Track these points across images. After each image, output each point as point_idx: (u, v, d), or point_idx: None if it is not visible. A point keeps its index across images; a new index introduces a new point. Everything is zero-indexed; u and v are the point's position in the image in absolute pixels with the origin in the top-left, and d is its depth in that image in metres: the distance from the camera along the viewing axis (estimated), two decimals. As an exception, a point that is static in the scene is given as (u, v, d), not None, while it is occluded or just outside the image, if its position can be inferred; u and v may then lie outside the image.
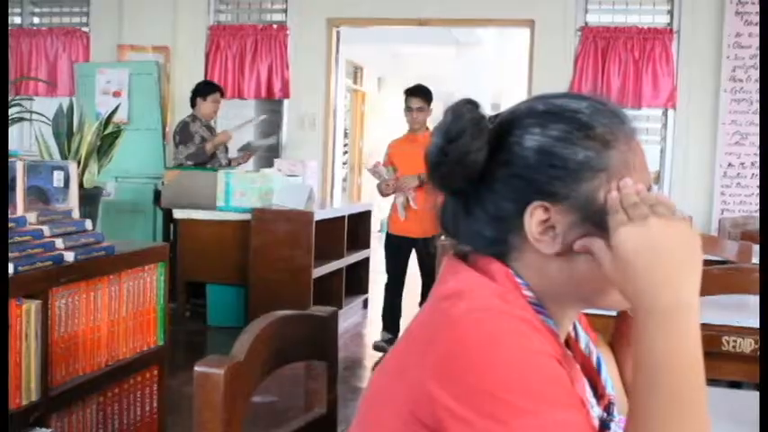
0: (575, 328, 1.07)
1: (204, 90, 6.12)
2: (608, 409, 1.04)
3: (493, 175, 0.96)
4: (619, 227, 0.90)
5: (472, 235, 1.00)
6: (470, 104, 0.97)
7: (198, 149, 5.90)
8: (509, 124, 0.97)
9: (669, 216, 0.90)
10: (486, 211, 0.97)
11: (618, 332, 1.18)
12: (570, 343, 1.06)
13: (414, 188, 5.14)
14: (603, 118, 0.95)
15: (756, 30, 6.03)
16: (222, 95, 6.24)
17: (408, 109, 5.30)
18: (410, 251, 5.27)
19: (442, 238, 1.07)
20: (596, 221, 0.93)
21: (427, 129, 5.24)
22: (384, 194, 5.39)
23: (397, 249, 5.32)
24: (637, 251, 0.88)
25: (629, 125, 0.97)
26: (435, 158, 0.97)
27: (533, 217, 0.94)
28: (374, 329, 6.08)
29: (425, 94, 5.31)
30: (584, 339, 1.08)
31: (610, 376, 1.07)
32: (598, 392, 1.04)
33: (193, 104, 6.12)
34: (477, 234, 0.99)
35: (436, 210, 1.05)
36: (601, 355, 1.08)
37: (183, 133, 5.99)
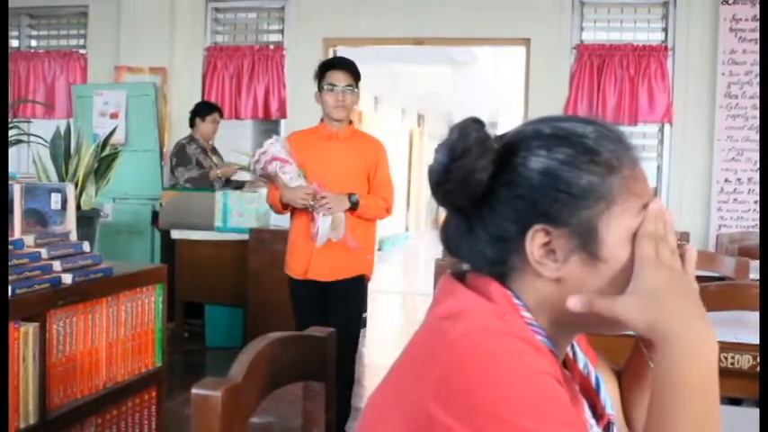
0: (572, 348, 1.07)
1: (203, 110, 6.18)
2: (607, 429, 1.04)
3: (496, 194, 0.96)
4: (647, 261, 0.92)
5: (473, 253, 0.99)
6: (477, 123, 0.96)
7: (202, 175, 5.94)
8: (515, 145, 0.97)
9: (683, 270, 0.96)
10: (488, 230, 0.97)
11: (631, 368, 1.17)
12: (568, 363, 1.06)
13: (344, 212, 3.56)
14: (609, 143, 0.96)
15: (751, 46, 6.06)
16: (221, 116, 6.30)
17: (330, 87, 3.59)
18: (320, 302, 3.68)
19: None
20: (592, 251, 0.94)
21: (351, 122, 3.76)
22: (293, 204, 3.54)
23: (307, 299, 3.69)
24: (663, 286, 0.91)
25: (633, 151, 0.97)
26: (439, 176, 0.96)
27: (534, 240, 0.94)
28: (373, 348, 6.07)
29: (354, 69, 3.68)
30: (583, 360, 1.08)
31: (609, 396, 1.07)
32: (597, 412, 1.04)
33: (192, 125, 6.17)
34: (479, 253, 0.98)
35: (439, 226, 1.05)
36: (599, 375, 1.08)
37: (181, 155, 6.03)
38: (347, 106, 3.63)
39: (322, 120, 3.71)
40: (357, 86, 3.69)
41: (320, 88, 3.64)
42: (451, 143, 0.95)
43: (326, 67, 3.68)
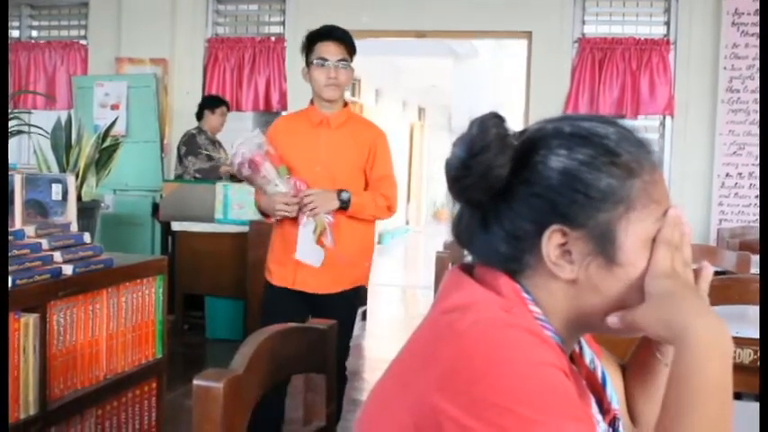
0: (579, 342, 1.07)
1: (213, 103, 6.24)
2: (613, 423, 1.04)
3: (513, 192, 0.95)
4: (661, 268, 0.92)
5: (486, 249, 0.99)
6: (497, 118, 0.95)
7: (212, 168, 5.96)
8: (535, 143, 0.96)
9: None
10: (504, 227, 0.96)
11: (637, 362, 1.17)
12: (575, 358, 1.06)
13: (331, 212, 2.98)
14: (630, 146, 0.95)
15: (753, 40, 6.05)
16: (228, 109, 6.35)
17: (320, 62, 3.03)
18: (304, 315, 3.01)
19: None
20: (609, 255, 0.93)
21: (346, 104, 3.19)
22: (272, 215, 3.03)
23: (288, 311, 2.92)
24: (677, 289, 0.91)
25: (653, 155, 0.97)
26: (456, 171, 0.95)
27: (551, 241, 0.93)
28: (373, 342, 6.08)
29: (348, 40, 3.09)
30: (589, 354, 1.08)
31: (615, 391, 1.07)
32: (603, 407, 1.04)
33: (199, 117, 6.21)
34: (492, 249, 0.98)
35: (450, 219, 1.04)
36: (605, 369, 1.08)
37: (191, 145, 6.06)
38: (341, 84, 3.06)
39: (312, 101, 3.15)
40: (352, 60, 3.10)
41: (308, 63, 3.07)
42: (471, 138, 0.94)
43: (316, 38, 3.08)
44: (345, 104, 3.18)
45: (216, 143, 6.21)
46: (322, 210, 2.94)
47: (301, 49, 3.15)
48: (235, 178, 5.83)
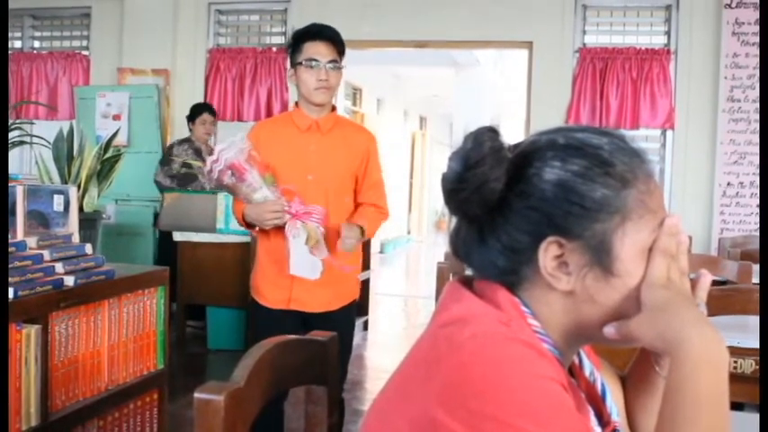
0: (578, 355, 1.07)
1: (192, 113, 6.25)
2: (613, 436, 1.04)
3: (509, 205, 0.96)
4: (657, 279, 0.93)
5: (484, 263, 0.99)
6: (491, 132, 0.96)
7: (186, 175, 5.99)
8: (529, 155, 0.97)
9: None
10: (501, 240, 0.97)
11: (636, 374, 1.17)
12: (574, 371, 1.06)
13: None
14: (624, 156, 0.95)
15: (753, 50, 6.06)
16: (213, 115, 6.29)
17: (309, 63, 2.85)
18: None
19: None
20: (606, 266, 0.94)
21: (334, 108, 3.02)
22: (261, 226, 2.79)
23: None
24: (671, 299, 0.91)
25: (648, 165, 0.97)
26: (452, 185, 0.96)
27: (548, 252, 0.94)
28: (374, 352, 6.07)
29: (338, 40, 2.94)
30: (589, 367, 1.08)
31: (614, 403, 1.07)
32: (603, 420, 1.04)
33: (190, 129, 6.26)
34: (490, 262, 0.98)
35: (448, 233, 1.05)
36: (605, 381, 1.08)
37: (165, 155, 6.15)
38: (332, 87, 2.87)
39: (296, 104, 2.97)
40: (342, 61, 2.92)
41: (296, 64, 2.89)
42: (466, 152, 0.95)
43: (304, 38, 2.90)
44: (333, 108, 3.00)
45: (201, 152, 6.14)
46: (356, 247, 2.82)
47: (286, 47, 2.99)
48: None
